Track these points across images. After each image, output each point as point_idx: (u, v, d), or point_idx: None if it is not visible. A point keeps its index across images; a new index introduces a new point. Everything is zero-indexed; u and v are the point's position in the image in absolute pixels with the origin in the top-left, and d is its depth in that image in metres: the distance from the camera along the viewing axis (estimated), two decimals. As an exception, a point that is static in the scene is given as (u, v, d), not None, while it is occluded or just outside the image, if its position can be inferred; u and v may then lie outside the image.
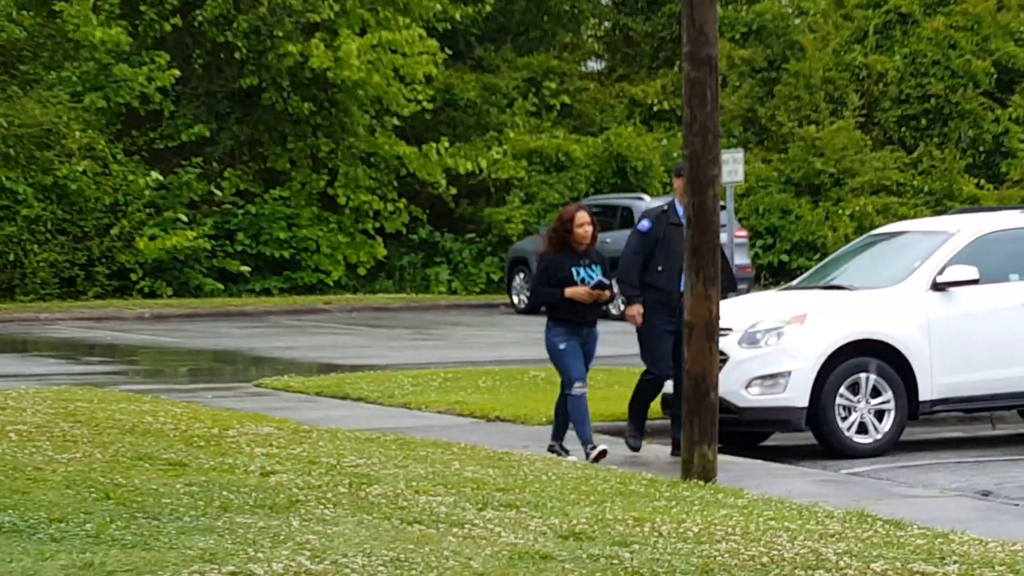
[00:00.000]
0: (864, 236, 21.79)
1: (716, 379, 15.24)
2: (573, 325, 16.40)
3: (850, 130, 43.33)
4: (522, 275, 39.12)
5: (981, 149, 44.48)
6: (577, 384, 16.37)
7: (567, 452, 16.54)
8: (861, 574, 10.62)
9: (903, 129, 45.59)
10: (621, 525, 12.09)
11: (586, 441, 16.34)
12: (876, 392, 18.50)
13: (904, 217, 37.38)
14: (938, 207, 40.27)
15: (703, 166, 14.87)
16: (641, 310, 17.15)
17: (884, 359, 18.56)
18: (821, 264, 21.46)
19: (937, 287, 18.86)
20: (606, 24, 50.65)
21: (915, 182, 43.65)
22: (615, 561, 10.79)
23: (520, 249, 40.29)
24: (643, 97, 45.30)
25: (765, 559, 10.96)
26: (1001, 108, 44.75)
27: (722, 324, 16.68)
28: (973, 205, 38.91)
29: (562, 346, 16.38)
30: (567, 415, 16.66)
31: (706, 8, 14.77)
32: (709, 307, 14.96)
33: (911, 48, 44.54)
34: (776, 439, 19.43)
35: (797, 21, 47.48)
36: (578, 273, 16.19)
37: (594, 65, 49.27)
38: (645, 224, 17.49)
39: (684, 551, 11.15)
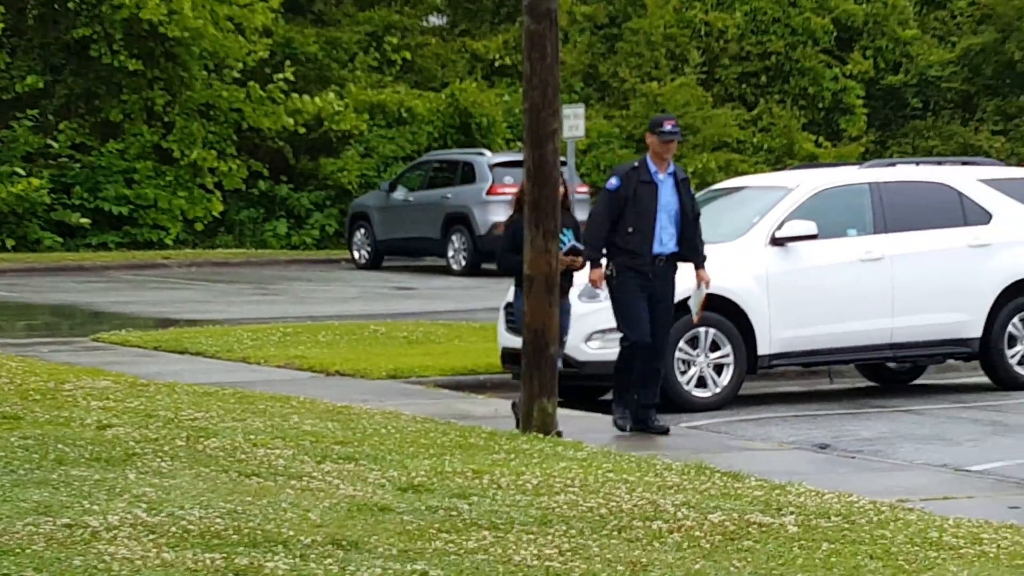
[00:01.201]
0: (704, 191, 21.96)
1: (556, 333, 15.32)
2: None
3: (692, 86, 43.63)
4: (363, 230, 39.00)
5: (820, 106, 44.96)
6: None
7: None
8: (699, 525, 10.75)
9: (744, 86, 45.98)
10: (460, 477, 12.18)
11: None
12: (715, 346, 18.70)
13: (744, 174, 37.73)
14: (778, 164, 40.62)
15: (543, 119, 14.90)
16: (603, 274, 16.13)
17: (723, 313, 18.75)
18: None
19: (776, 242, 19.08)
20: (448, -21, 50.71)
21: (755, 139, 44.03)
22: (453, 513, 10.87)
23: (361, 204, 40.13)
24: (485, 52, 45.32)
25: (603, 510, 11.09)
26: (840, 65, 45.21)
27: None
28: (812, 161, 39.29)
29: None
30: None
31: (547, -39, 14.84)
32: (549, 261, 14.98)
33: (751, 5, 44.87)
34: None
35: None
36: None
37: (436, 20, 49.12)
38: (613, 182, 16.10)
39: (523, 503, 11.26)
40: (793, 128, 44.23)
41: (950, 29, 46.00)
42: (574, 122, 31.44)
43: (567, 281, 15.57)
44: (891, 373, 20.78)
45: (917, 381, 20.89)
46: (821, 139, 44.39)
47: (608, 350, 18.44)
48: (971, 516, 11.80)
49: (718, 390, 18.71)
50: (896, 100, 45.62)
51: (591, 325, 18.47)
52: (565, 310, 15.75)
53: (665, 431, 16.10)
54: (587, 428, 16.00)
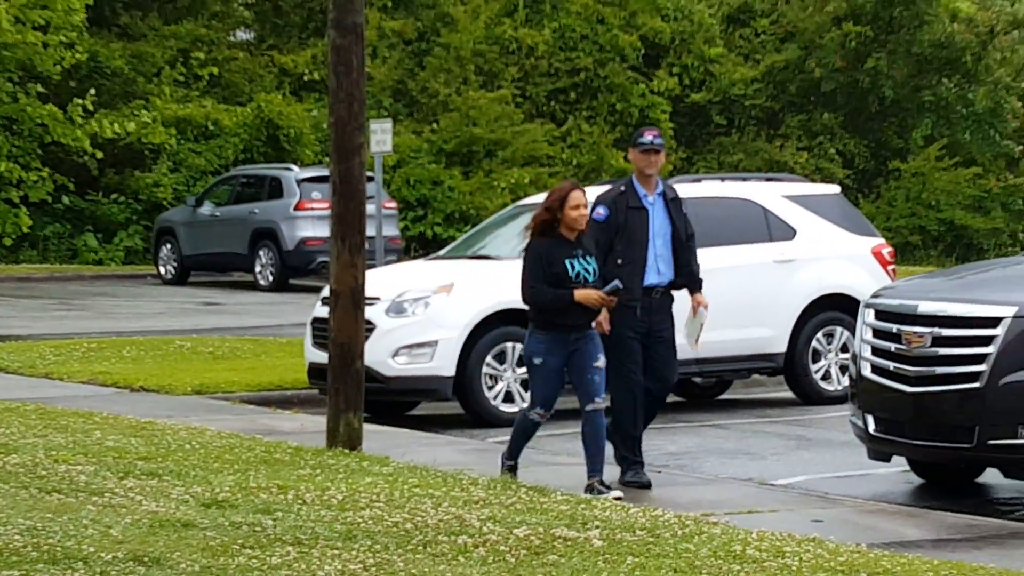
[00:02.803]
0: (510, 207, 22.07)
1: (362, 347, 15.29)
2: (562, 331, 13.38)
3: (503, 101, 43.70)
4: (169, 245, 38.67)
5: (628, 123, 45.27)
6: (538, 411, 13.84)
7: (605, 488, 13.58)
8: (504, 539, 10.77)
9: (553, 103, 46.17)
10: (265, 493, 12.12)
11: (512, 455, 14.14)
12: (521, 362, 18.76)
13: (554, 189, 37.81)
14: (587, 180, 40.86)
15: (349, 133, 14.87)
16: (608, 316, 13.79)
17: (529, 328, 18.80)
18: (469, 234, 21.69)
19: (584, 257, 19.15)
20: (256, -7, 50.46)
21: (564, 155, 44.22)
22: (257, 528, 10.82)
23: (167, 219, 39.76)
24: (293, 67, 45.13)
25: (409, 525, 11.08)
26: (647, 82, 45.56)
27: (369, 293, 16.74)
28: (621, 178, 39.44)
29: (538, 361, 13.52)
30: (520, 429, 14.24)
31: (352, -25, 14.83)
32: (355, 275, 15.00)
33: (560, 22, 45.10)
34: (424, 408, 19.57)
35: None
36: (573, 267, 13.20)
37: (243, 35, 48.84)
38: (601, 211, 14.16)
39: (328, 518, 11.23)
40: (602, 144, 44.47)
41: (755, 47, 46.52)
42: (381, 137, 31.38)
43: (594, 315, 13.51)
44: (697, 388, 20.93)
45: (723, 396, 21.08)
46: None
47: (415, 365, 18.47)
48: (775, 529, 11.94)
49: (525, 405, 18.73)
50: (702, 117, 46.10)
51: (398, 340, 18.48)
52: (589, 337, 13.56)
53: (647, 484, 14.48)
54: (393, 444, 15.96)
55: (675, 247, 14.46)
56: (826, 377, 20.09)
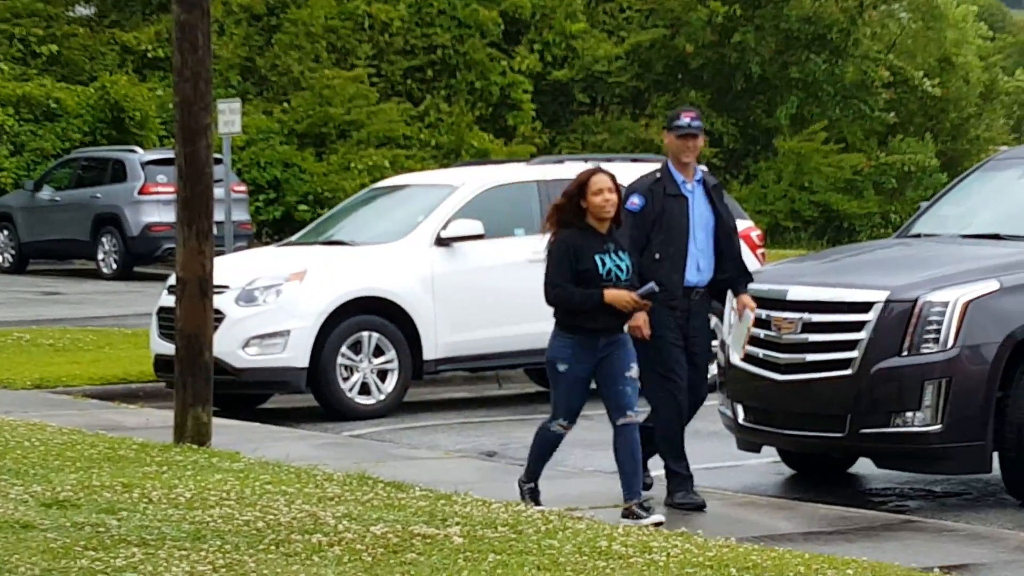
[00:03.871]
0: (365, 190, 22.05)
1: (211, 338, 15.19)
2: (589, 335, 12.39)
3: (359, 80, 43.56)
4: (6, 232, 38.24)
5: (489, 102, 45.34)
6: (561, 422, 12.75)
7: (647, 511, 12.62)
8: (360, 537, 10.74)
9: (409, 81, 46.09)
10: (109, 491, 12.01)
11: (531, 477, 13.16)
12: (379, 351, 18.77)
13: (412, 170, 37.87)
14: (446, 161, 40.78)
15: (195, 114, 14.78)
16: (647, 320, 12.78)
17: (387, 317, 18.82)
18: (322, 219, 21.63)
19: (441, 242, 19.19)
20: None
21: (422, 135, 44.16)
22: (101, 529, 10.71)
23: (3, 204, 39.26)
24: (136, 44, 44.74)
25: (260, 524, 11.02)
26: (508, 59, 45.60)
27: (218, 281, 16.66)
28: (482, 158, 39.47)
29: (563, 368, 12.47)
30: (542, 445, 13.17)
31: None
32: (203, 262, 14.90)
33: (417, -4, 45.08)
34: (277, 401, 19.49)
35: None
36: (604, 263, 12.19)
37: (83, 10, 48.29)
38: (636, 201, 13.13)
39: (175, 517, 11.15)
40: (462, 124, 44.45)
41: (619, 24, 46.72)
42: (230, 117, 31.18)
43: (625, 318, 12.52)
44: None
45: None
46: (491, 136, 44.67)
47: (267, 356, 18.41)
48: (639, 522, 12.01)
49: (382, 397, 18.77)
50: (564, 95, 46.22)
51: (248, 330, 18.41)
52: (620, 343, 12.61)
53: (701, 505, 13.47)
54: (244, 439, 15.89)
55: (718, 241, 13.45)
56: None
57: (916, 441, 13.85)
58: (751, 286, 14.90)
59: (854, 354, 13.95)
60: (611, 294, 12.05)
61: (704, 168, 13.69)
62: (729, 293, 13.94)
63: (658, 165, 20.71)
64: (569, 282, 12.22)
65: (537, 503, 12.65)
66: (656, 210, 13.00)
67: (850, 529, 12.70)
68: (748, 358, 14.58)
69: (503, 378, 21.22)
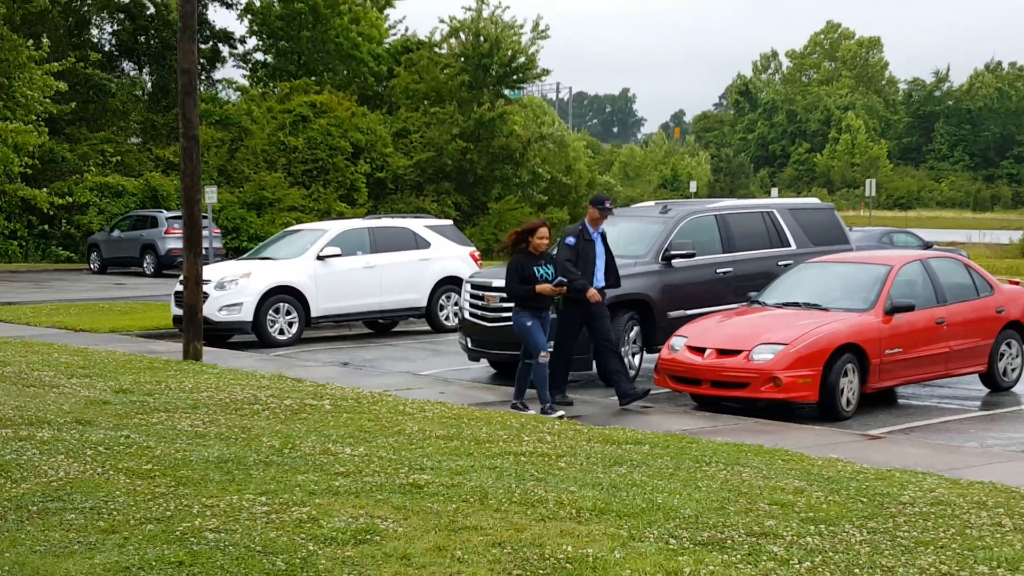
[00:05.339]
0: (280, 232, 21.65)
1: (201, 306, 14.89)
2: (537, 310, 11.70)
3: (278, 177, 42.33)
4: (95, 252, 36.66)
5: (346, 187, 44.51)
6: (542, 354, 11.65)
7: (526, 408, 11.78)
8: (279, 406, 10.61)
9: (305, 177, 45.21)
10: (149, 384, 11.72)
11: (544, 400, 11.74)
12: (288, 312, 18.47)
13: (305, 222, 37.16)
14: (322, 218, 39.93)
15: (192, 193, 14.47)
16: (596, 293, 12.24)
17: (293, 295, 18.58)
18: (258, 247, 21.10)
19: (320, 258, 18.99)
20: None
21: (311, 204, 43.22)
22: (145, 404, 10.48)
23: (94, 239, 37.18)
24: (164, 155, 42.85)
25: (227, 400, 10.85)
26: (354, 166, 44.93)
27: (205, 278, 16.29)
28: (340, 216, 38.86)
29: (529, 323, 11.66)
30: (527, 379, 11.90)
31: (190, 108, 14.37)
32: (197, 268, 14.60)
33: (308, 135, 44.13)
34: (237, 339, 19.11)
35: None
36: (538, 271, 11.64)
37: (135, 139, 46.23)
38: (571, 240, 12.44)
39: (183, 398, 10.93)
40: (331, 199, 43.72)
41: (410, 149, 46.10)
42: (210, 194, 30.23)
43: (551, 300, 11.89)
44: (381, 325, 20.91)
45: (395, 329, 21.10)
46: (345, 205, 43.80)
47: (231, 316, 18.06)
48: (420, 398, 12.02)
49: (290, 335, 18.48)
50: (383, 185, 45.56)
51: (221, 302, 18.05)
52: (548, 317, 11.89)
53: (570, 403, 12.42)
54: (219, 358, 15.57)
55: (607, 264, 12.63)
56: (447, 319, 20.24)
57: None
58: (475, 279, 14.99)
59: (526, 313, 14.08)
60: (539, 287, 11.57)
61: (603, 227, 12.73)
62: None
63: (430, 219, 20.65)
64: (516, 283, 11.69)
65: (568, 403, 12.14)
66: (580, 247, 12.41)
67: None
68: (471, 314, 14.67)
69: (353, 325, 20.94)
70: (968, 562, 5.94)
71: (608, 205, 12.61)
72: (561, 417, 11.27)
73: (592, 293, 12.11)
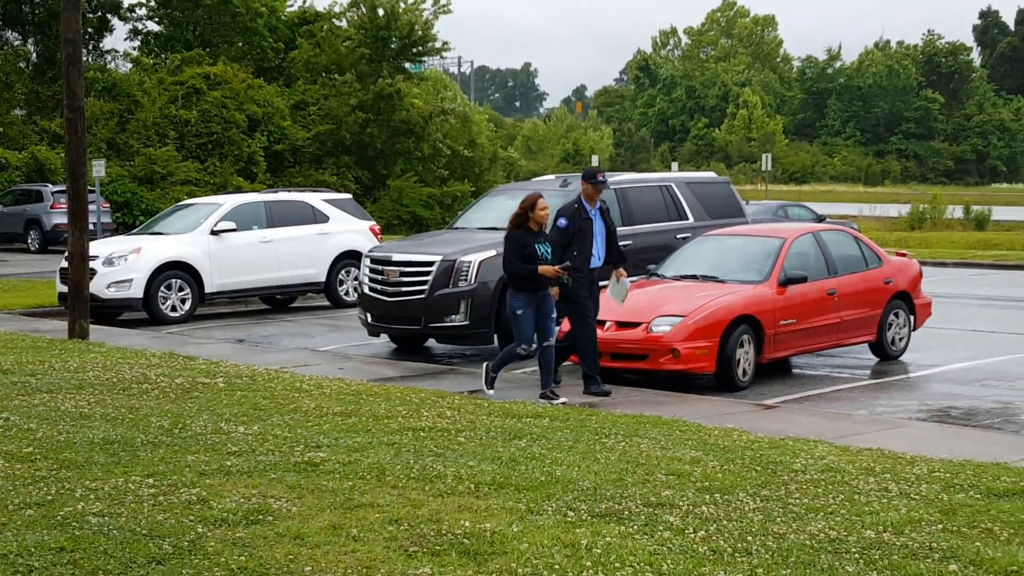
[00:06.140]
0: (171, 207, 21.14)
1: (87, 283, 14.47)
2: (532, 292, 10.90)
3: (170, 150, 41.43)
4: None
5: (243, 160, 43.74)
6: (523, 347, 10.97)
7: (556, 396, 10.93)
8: (169, 385, 10.35)
9: (199, 151, 44.31)
10: (32, 365, 11.37)
11: (489, 379, 11.26)
12: (181, 288, 18.10)
13: (199, 196, 36.37)
14: (217, 192, 39.16)
15: (78, 167, 14.03)
16: (557, 270, 10.86)
17: (186, 271, 18.19)
18: (149, 221, 20.62)
19: (214, 233, 18.62)
20: None
21: (206, 178, 42.44)
22: (28, 384, 10.14)
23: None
24: (50, 127, 41.75)
25: (114, 379, 10.57)
26: (251, 139, 44.19)
27: (93, 253, 15.84)
28: (237, 190, 38.05)
29: (520, 312, 10.88)
30: (551, 363, 11.03)
31: (75, 79, 13.90)
32: (83, 244, 14.21)
33: (202, 107, 43.27)
34: (126, 316, 18.63)
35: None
36: (539, 249, 10.88)
37: (19, 111, 44.84)
38: (563, 222, 11.45)
39: (68, 377, 10.62)
40: (227, 173, 42.78)
41: (309, 121, 45.57)
42: (98, 168, 29.14)
43: (548, 284, 11.02)
44: (278, 301, 20.60)
45: (293, 305, 20.81)
46: (242, 179, 43.08)
47: (120, 293, 17.62)
48: (318, 374, 11.85)
49: (184, 311, 18.10)
50: (281, 158, 44.87)
51: (109, 279, 17.60)
52: (547, 295, 11.04)
53: (607, 393, 11.32)
54: (107, 336, 15.17)
55: (608, 241, 11.71)
56: (347, 294, 20.04)
57: (457, 330, 13.99)
58: (375, 253, 14.85)
59: (426, 287, 14.01)
60: (542, 268, 10.77)
61: (602, 199, 11.80)
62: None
63: (331, 193, 20.44)
64: (517, 260, 10.86)
65: (491, 388, 11.17)
66: (575, 228, 11.41)
67: (424, 374, 12.75)
68: (371, 289, 14.53)
69: (250, 301, 20.61)
70: (856, 527, 6.03)
71: (601, 178, 11.66)
72: (564, 403, 10.55)
73: (546, 268, 10.87)
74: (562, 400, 10.79)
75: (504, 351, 11.25)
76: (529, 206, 10.98)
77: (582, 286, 11.36)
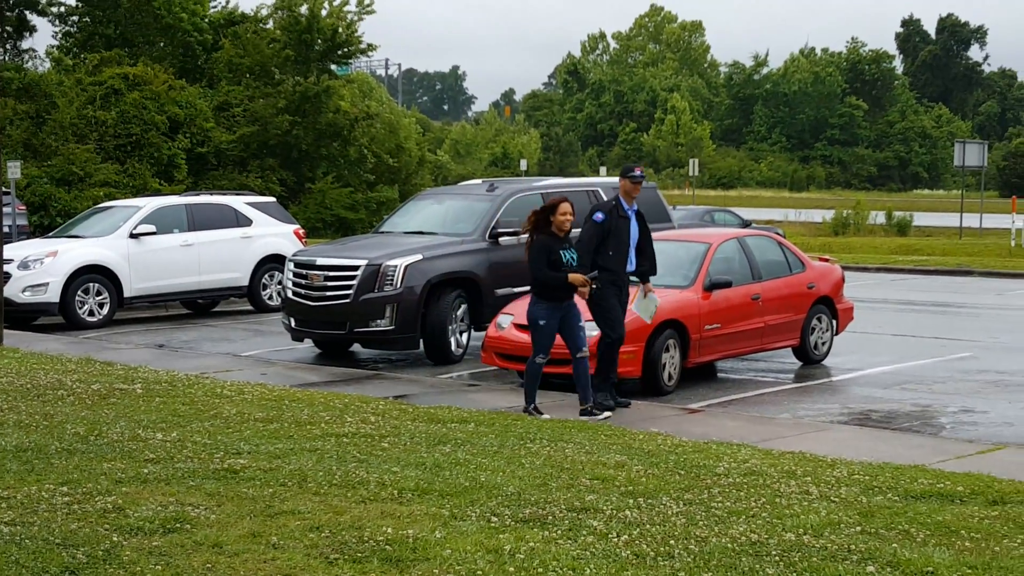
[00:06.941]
0: (89, 209, 20.82)
1: (2, 288, 14.17)
2: (558, 301, 10.23)
3: (88, 151, 40.79)
4: None
5: (163, 164, 43.23)
6: (541, 357, 10.27)
7: (597, 411, 10.38)
8: (86, 391, 10.18)
9: (119, 152, 43.51)
10: (-58, 371, 11.11)
11: (530, 402, 10.34)
12: (99, 292, 17.82)
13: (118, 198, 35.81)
14: (137, 194, 38.66)
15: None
16: (583, 278, 10.27)
17: (104, 275, 17.91)
18: (66, 224, 20.32)
19: (133, 236, 18.37)
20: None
21: (124, 180, 41.83)
22: (-64, 391, 9.92)
23: None
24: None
25: (29, 385, 10.37)
26: (172, 141, 43.65)
27: (7, 257, 15.53)
28: (156, 192, 37.58)
29: (542, 322, 10.22)
30: (586, 377, 10.42)
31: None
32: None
33: (120, 108, 42.61)
34: (43, 321, 18.24)
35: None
36: (564, 255, 10.18)
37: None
38: (600, 216, 10.81)
39: (-20, 384, 10.40)
40: (147, 176, 42.20)
41: (233, 124, 45.10)
42: (14, 170, 28.69)
43: (573, 293, 10.30)
44: (200, 305, 20.35)
45: (215, 309, 20.56)
46: (161, 181, 42.48)
47: (36, 297, 17.29)
48: (240, 380, 11.73)
49: (101, 317, 17.82)
50: (204, 160, 44.36)
51: (25, 283, 17.26)
52: (571, 305, 10.33)
53: (625, 405, 10.94)
54: (23, 341, 14.87)
55: (641, 245, 11.13)
56: (271, 298, 19.87)
57: (383, 335, 13.94)
58: (298, 257, 14.76)
59: (351, 291, 13.95)
60: (572, 277, 10.06)
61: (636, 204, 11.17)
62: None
63: (253, 196, 20.28)
64: (546, 267, 10.15)
65: (540, 413, 10.21)
66: (611, 224, 10.79)
67: (348, 379, 12.68)
68: (295, 293, 14.43)
69: (169, 305, 20.36)
70: (777, 530, 6.12)
71: (639, 173, 11.02)
72: (607, 418, 10.03)
73: (576, 277, 10.22)
74: (605, 415, 10.12)
75: (528, 372, 10.41)
76: (550, 209, 10.25)
77: (610, 291, 10.72)
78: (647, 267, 11.16)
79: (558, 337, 10.40)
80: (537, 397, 10.42)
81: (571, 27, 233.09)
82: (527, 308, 10.44)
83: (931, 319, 18.75)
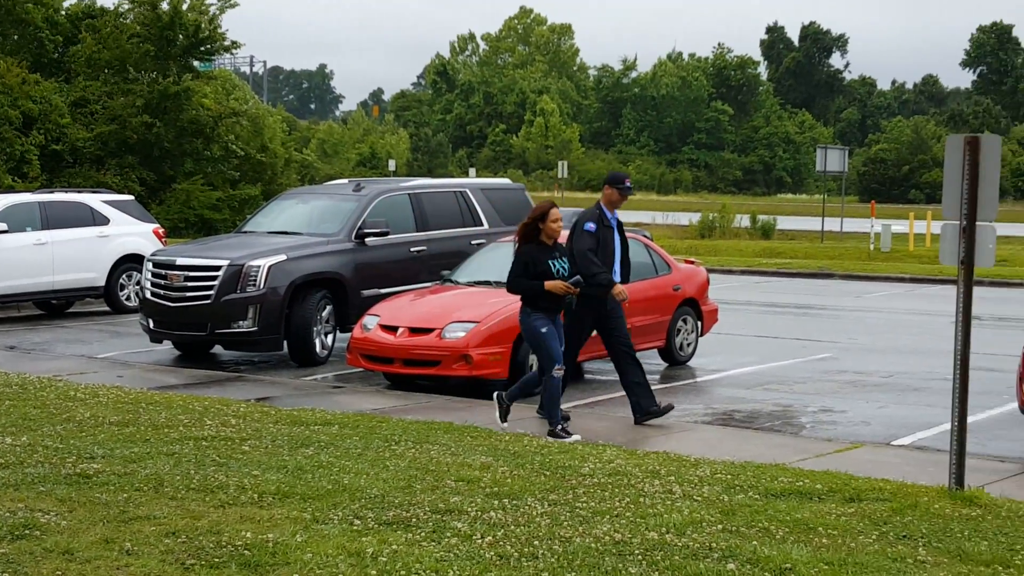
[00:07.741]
0: None
1: None
2: (550, 311, 9.71)
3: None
4: None
5: (14, 159, 41.72)
6: (557, 368, 9.68)
7: (504, 417, 9.98)
8: (40, 396, 9.77)
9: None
10: None
11: (555, 421, 9.66)
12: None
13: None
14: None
15: None
16: (624, 290, 10.50)
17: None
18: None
19: (-13, 235, 17.80)
20: None
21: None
22: None
23: None
24: None
25: None
26: (24, 137, 42.13)
27: None
28: (8, 190, 36.25)
29: (544, 329, 9.63)
30: (532, 386, 10.03)
31: None
32: None
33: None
34: None
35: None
36: (553, 266, 9.66)
37: None
38: (591, 226, 10.44)
39: None
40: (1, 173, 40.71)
41: (90, 121, 43.73)
42: None
43: (562, 302, 9.80)
44: (54, 306, 19.68)
45: (70, 310, 19.92)
46: (14, 178, 41.01)
47: None
48: (95, 382, 11.39)
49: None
50: (59, 159, 42.91)
51: None
52: (558, 326, 9.85)
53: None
54: None
55: (623, 255, 10.78)
56: (128, 299, 19.35)
57: (245, 336, 13.73)
58: (158, 257, 14.45)
59: (212, 292, 13.70)
60: (550, 284, 9.59)
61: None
62: None
63: (108, 194, 19.75)
64: (520, 278, 9.67)
65: (569, 435, 9.50)
66: (599, 234, 10.46)
67: (210, 381, 12.45)
68: (154, 294, 14.11)
69: (22, 306, 19.63)
70: (640, 529, 6.22)
71: (628, 184, 10.81)
72: (573, 439, 9.36)
73: (619, 289, 10.24)
74: (576, 437, 9.46)
75: (547, 393, 9.80)
76: (540, 216, 9.76)
77: (588, 307, 10.28)
78: (625, 276, 10.91)
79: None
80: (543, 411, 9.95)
81: (440, 28, 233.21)
82: (520, 323, 9.89)
83: (793, 321, 19.30)
